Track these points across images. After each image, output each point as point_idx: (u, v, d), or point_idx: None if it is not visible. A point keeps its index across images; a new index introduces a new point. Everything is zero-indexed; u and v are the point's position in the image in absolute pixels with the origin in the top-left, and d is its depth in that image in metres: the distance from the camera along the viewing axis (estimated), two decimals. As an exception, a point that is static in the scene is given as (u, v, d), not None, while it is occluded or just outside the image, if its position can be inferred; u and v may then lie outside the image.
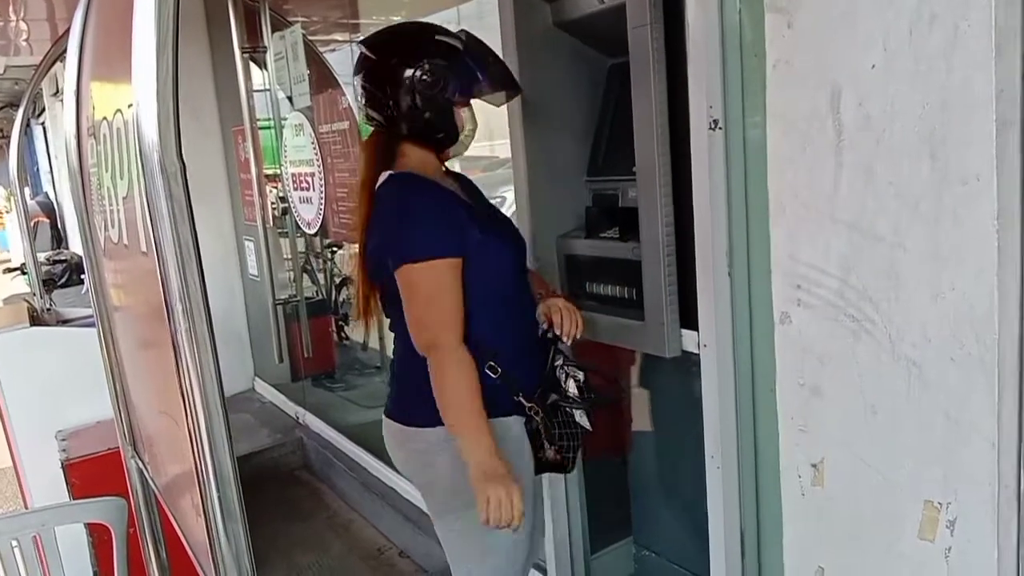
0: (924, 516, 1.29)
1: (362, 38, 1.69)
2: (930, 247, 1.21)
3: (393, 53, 1.61)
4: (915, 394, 1.27)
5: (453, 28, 1.67)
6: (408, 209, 1.57)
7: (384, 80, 1.60)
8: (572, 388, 1.68)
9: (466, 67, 1.61)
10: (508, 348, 1.63)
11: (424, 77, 1.58)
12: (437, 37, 1.62)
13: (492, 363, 1.59)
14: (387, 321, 1.71)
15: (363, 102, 1.65)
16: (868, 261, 1.30)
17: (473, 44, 1.63)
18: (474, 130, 1.69)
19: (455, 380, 1.53)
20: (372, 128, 1.68)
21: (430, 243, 1.54)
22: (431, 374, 1.54)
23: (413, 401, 1.63)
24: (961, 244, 1.17)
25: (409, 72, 1.58)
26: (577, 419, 1.69)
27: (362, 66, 1.64)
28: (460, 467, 1.53)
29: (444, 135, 1.65)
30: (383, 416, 1.73)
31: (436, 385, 1.54)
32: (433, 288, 1.54)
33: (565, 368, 1.69)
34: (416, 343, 1.57)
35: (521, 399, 1.62)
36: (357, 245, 1.68)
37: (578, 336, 1.70)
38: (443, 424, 1.55)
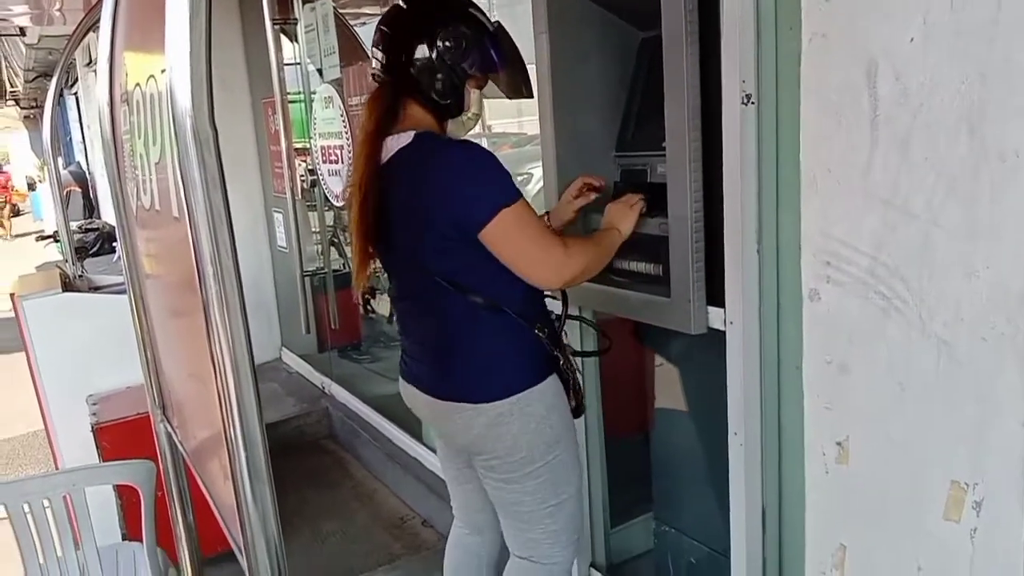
0: (950, 496, 1.28)
1: None
2: (965, 225, 1.19)
3: (426, 8, 1.65)
4: (945, 373, 1.26)
5: (482, 1, 1.69)
6: (482, 161, 1.58)
7: (410, 31, 1.63)
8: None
9: (489, 48, 1.65)
10: (541, 306, 1.71)
11: (448, 41, 1.61)
12: (471, 10, 1.66)
13: (540, 323, 1.66)
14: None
15: (380, 48, 1.66)
16: (901, 238, 1.28)
17: (502, 33, 1.69)
18: (478, 116, 1.72)
19: (593, 254, 1.67)
20: (378, 81, 1.69)
21: (512, 185, 1.58)
22: (581, 269, 1.63)
23: (477, 378, 1.66)
24: (998, 222, 1.15)
25: (436, 30, 1.60)
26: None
27: (392, 13, 1.67)
28: (531, 424, 1.64)
29: (450, 104, 1.66)
30: (429, 398, 1.73)
31: (593, 267, 1.67)
32: (535, 220, 1.60)
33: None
34: (539, 278, 1.61)
35: (558, 353, 1.68)
36: (357, 200, 1.64)
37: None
38: (512, 394, 1.63)
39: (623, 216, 1.77)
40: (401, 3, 1.67)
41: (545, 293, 1.74)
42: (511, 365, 1.67)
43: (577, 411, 1.76)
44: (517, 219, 1.55)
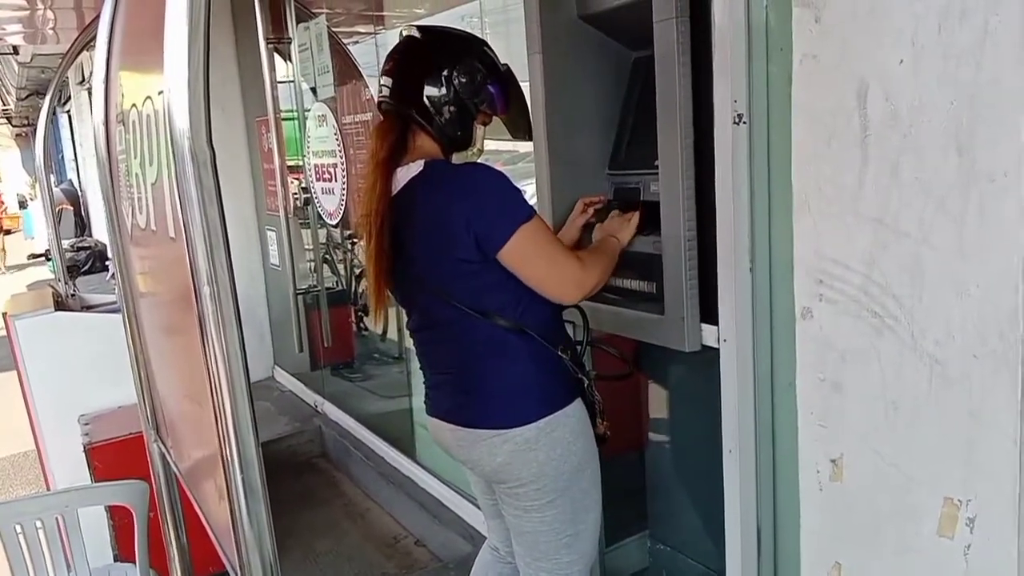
0: (943, 513, 1.28)
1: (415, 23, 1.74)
2: (955, 243, 1.20)
3: (443, 44, 1.69)
4: (937, 391, 1.26)
5: (475, 22, 1.72)
6: (496, 181, 1.60)
7: (426, 64, 1.65)
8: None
9: (500, 87, 1.70)
10: (562, 328, 1.72)
11: (464, 76, 1.64)
12: (486, 49, 1.72)
13: (563, 345, 1.67)
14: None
15: (391, 76, 1.67)
16: (892, 257, 1.29)
17: (511, 76, 1.75)
18: (481, 152, 1.76)
19: (603, 263, 1.71)
20: (385, 110, 1.70)
21: (525, 203, 1.61)
22: (598, 280, 1.67)
23: (502, 403, 1.65)
24: (987, 241, 1.17)
25: (453, 65, 1.64)
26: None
27: (407, 44, 1.69)
28: (557, 450, 1.63)
29: (459, 137, 1.69)
30: (453, 426, 1.70)
31: (605, 277, 1.71)
32: (551, 237, 1.65)
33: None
34: (559, 292, 1.63)
35: (582, 376, 1.69)
36: (371, 232, 1.63)
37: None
38: (539, 419, 1.62)
39: (620, 226, 1.81)
40: (417, 35, 1.68)
41: (564, 316, 1.74)
42: (537, 389, 1.65)
43: (603, 438, 1.74)
44: (535, 236, 1.58)
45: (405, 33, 1.70)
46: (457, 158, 1.72)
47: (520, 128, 1.85)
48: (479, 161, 1.76)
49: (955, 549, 1.28)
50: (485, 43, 1.73)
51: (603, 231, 1.84)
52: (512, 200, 1.59)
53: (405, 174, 1.62)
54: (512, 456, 1.63)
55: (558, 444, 1.63)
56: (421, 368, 1.82)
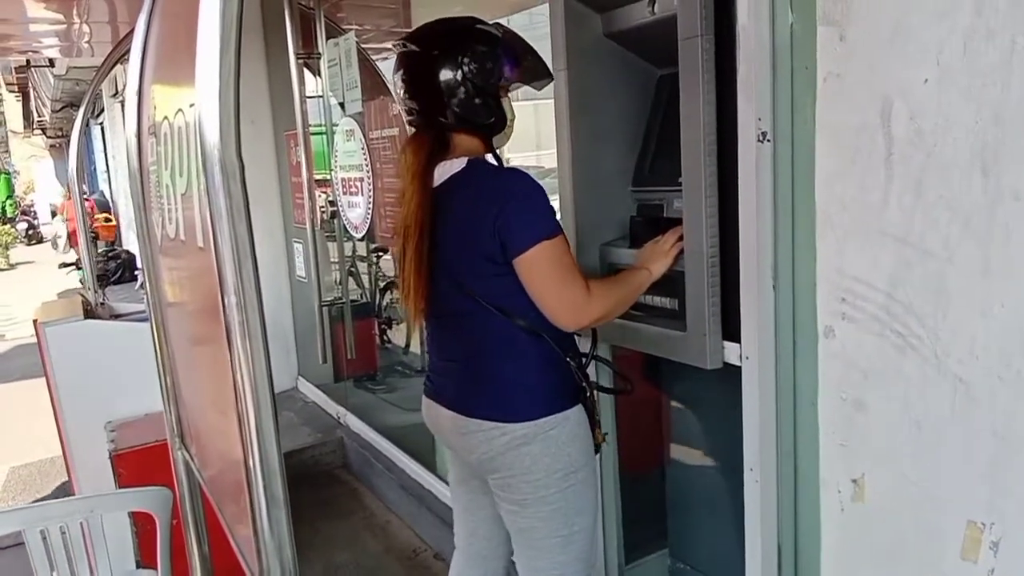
0: (967, 536, 1.27)
1: (401, 37, 1.73)
2: (980, 263, 1.19)
3: (439, 45, 1.67)
4: (961, 411, 1.25)
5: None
6: (531, 190, 1.61)
7: (434, 72, 1.65)
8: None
9: (507, 53, 1.69)
10: (572, 338, 1.73)
11: (474, 65, 1.64)
12: (478, 27, 1.70)
13: (572, 352, 1.70)
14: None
15: (408, 96, 1.69)
16: (916, 276, 1.28)
17: (508, 32, 1.72)
18: (514, 119, 1.76)
19: (617, 297, 1.70)
20: (415, 123, 1.72)
21: (554, 220, 1.62)
22: (600, 315, 1.65)
23: (507, 398, 1.68)
24: (1012, 260, 1.16)
25: (458, 61, 1.64)
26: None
27: (408, 60, 1.69)
28: (551, 449, 1.65)
29: (495, 121, 1.71)
30: (453, 413, 1.73)
31: (616, 311, 1.71)
32: (568, 260, 1.63)
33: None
34: (556, 315, 1.62)
35: (585, 385, 1.70)
36: (411, 239, 1.66)
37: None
38: (538, 417, 1.65)
39: (658, 258, 1.78)
40: (412, 47, 1.68)
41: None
42: (541, 389, 1.68)
43: (597, 448, 1.77)
44: (552, 254, 1.59)
45: (399, 50, 1.69)
46: (498, 141, 1.75)
47: (540, 74, 1.82)
48: (520, 169, 1.76)
49: (979, 573, 1.26)
50: (473, 19, 1.72)
51: (641, 256, 1.82)
52: (543, 214, 1.61)
53: (447, 169, 1.66)
54: (506, 449, 1.66)
55: (552, 444, 1.66)
56: (429, 351, 1.86)
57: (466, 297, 1.65)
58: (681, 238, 1.76)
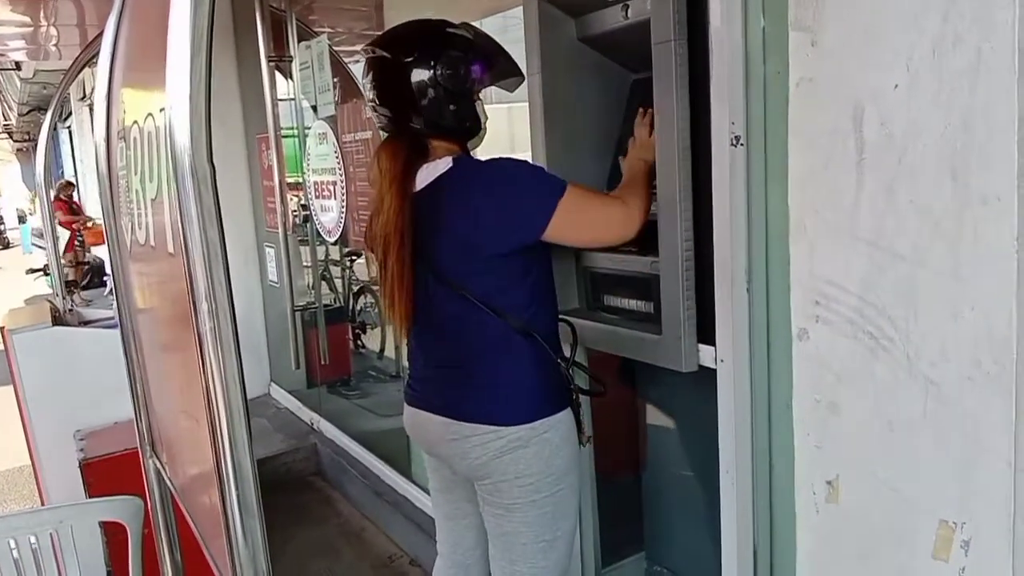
0: (939, 535, 1.28)
1: (370, 42, 1.71)
2: (950, 266, 1.21)
3: (410, 51, 1.64)
4: (932, 413, 1.27)
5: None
6: (526, 169, 1.66)
7: (405, 79, 1.63)
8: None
9: (479, 56, 1.68)
10: (558, 338, 1.75)
11: (447, 71, 1.63)
12: (448, 30, 1.67)
13: (561, 351, 1.72)
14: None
15: (379, 103, 1.67)
16: (888, 279, 1.30)
17: (478, 33, 1.72)
18: (487, 121, 1.76)
19: (640, 194, 1.73)
20: (387, 128, 1.71)
21: (554, 179, 1.65)
22: (646, 209, 1.70)
23: (502, 400, 1.68)
24: (981, 264, 1.17)
25: (431, 66, 1.62)
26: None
27: (378, 67, 1.67)
28: (545, 452, 1.66)
29: (471, 125, 1.71)
30: (444, 419, 1.71)
31: (648, 203, 1.72)
32: (588, 194, 1.69)
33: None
34: (618, 237, 1.70)
35: (572, 386, 1.71)
36: (392, 247, 1.64)
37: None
38: (534, 420, 1.65)
39: (645, 148, 1.78)
40: (383, 52, 1.66)
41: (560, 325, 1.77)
42: (537, 391, 1.68)
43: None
44: (576, 202, 1.62)
45: (368, 55, 1.68)
46: (472, 144, 1.75)
47: (511, 74, 1.81)
48: (503, 157, 1.75)
49: (951, 572, 1.28)
50: (443, 23, 1.70)
51: (628, 163, 1.83)
52: (544, 180, 1.64)
53: (433, 171, 1.65)
54: (501, 452, 1.65)
55: (546, 446, 1.66)
56: (412, 358, 1.83)
57: (459, 299, 1.64)
58: (650, 120, 1.76)
